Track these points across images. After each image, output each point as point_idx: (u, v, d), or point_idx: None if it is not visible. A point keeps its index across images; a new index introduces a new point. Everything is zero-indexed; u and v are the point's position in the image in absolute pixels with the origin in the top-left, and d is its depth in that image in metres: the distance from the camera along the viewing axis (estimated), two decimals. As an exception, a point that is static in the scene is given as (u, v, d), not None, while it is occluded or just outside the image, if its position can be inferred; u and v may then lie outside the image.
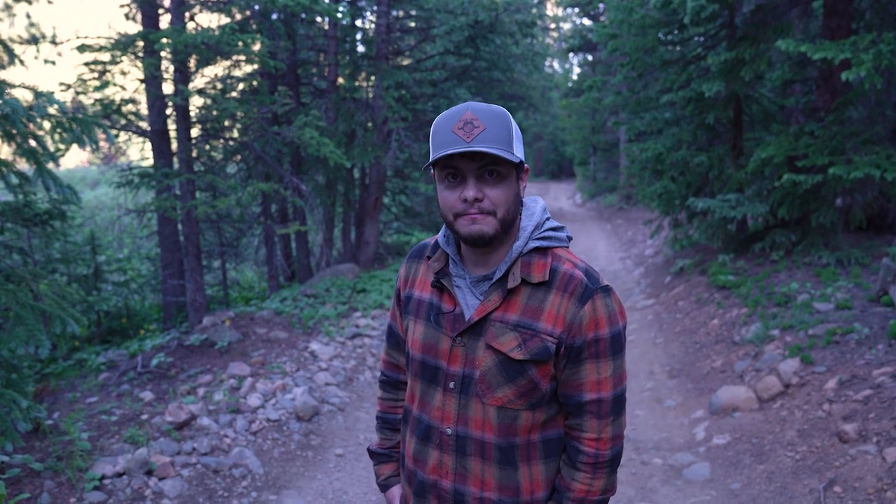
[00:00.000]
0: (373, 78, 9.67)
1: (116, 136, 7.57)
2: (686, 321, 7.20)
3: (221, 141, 8.18)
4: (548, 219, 1.50)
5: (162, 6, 7.63)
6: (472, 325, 1.43)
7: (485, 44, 10.61)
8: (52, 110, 3.96)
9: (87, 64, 6.44)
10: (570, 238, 1.51)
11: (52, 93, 3.96)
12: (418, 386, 1.53)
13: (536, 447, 1.46)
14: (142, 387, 5.17)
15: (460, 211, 1.37)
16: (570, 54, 25.48)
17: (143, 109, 7.59)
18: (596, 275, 1.43)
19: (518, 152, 1.39)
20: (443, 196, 1.40)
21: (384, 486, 1.75)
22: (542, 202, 1.53)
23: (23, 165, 4.51)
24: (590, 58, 23.55)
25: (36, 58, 9.24)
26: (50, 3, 8.81)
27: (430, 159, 1.37)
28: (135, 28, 9.73)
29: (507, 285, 1.41)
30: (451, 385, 1.46)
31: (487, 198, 1.36)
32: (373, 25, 10.41)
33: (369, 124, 9.32)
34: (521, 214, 1.47)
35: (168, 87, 7.10)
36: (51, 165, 4.10)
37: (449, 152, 1.32)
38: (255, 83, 8.40)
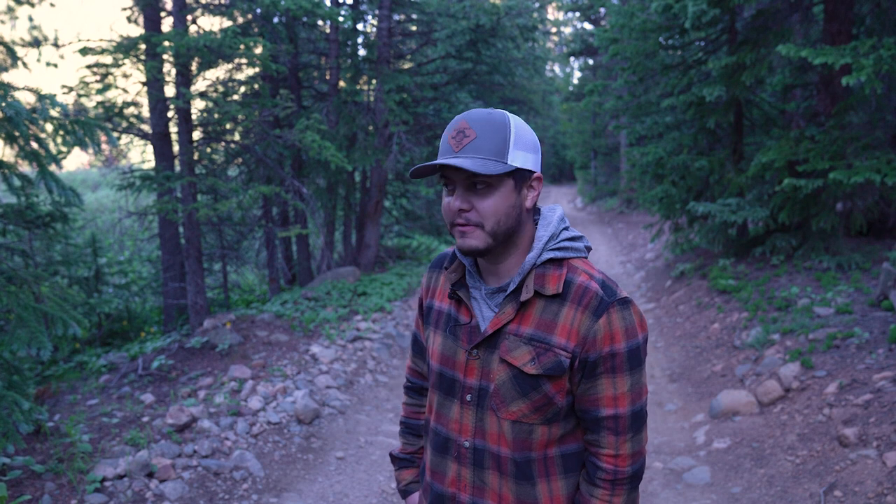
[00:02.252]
0: (374, 81, 9.69)
1: (118, 138, 7.58)
2: (686, 325, 7.20)
3: (223, 144, 8.19)
4: (565, 228, 1.45)
5: (164, 9, 7.65)
6: (487, 338, 1.40)
7: (486, 48, 10.63)
8: (54, 113, 3.97)
9: (89, 66, 6.45)
10: (588, 248, 1.45)
11: (55, 95, 3.98)
12: (436, 397, 1.52)
13: (555, 462, 1.43)
14: (142, 389, 5.18)
15: (453, 220, 1.36)
16: (571, 58, 25.55)
17: (145, 112, 7.60)
18: (613, 287, 1.37)
19: (517, 160, 1.33)
20: (443, 203, 1.40)
21: (404, 493, 1.72)
22: (560, 211, 1.47)
23: (25, 168, 4.53)
24: (591, 62, 23.61)
25: (38, 60, 9.23)
26: (52, 5, 8.82)
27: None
28: (137, 31, 9.76)
29: (520, 298, 1.38)
30: (468, 398, 1.44)
31: (475, 209, 1.32)
32: (374, 29, 10.42)
33: (370, 128, 9.33)
34: (535, 224, 1.44)
35: (170, 90, 7.12)
36: (53, 168, 4.11)
37: (429, 164, 1.31)
38: (256, 86, 8.42)
